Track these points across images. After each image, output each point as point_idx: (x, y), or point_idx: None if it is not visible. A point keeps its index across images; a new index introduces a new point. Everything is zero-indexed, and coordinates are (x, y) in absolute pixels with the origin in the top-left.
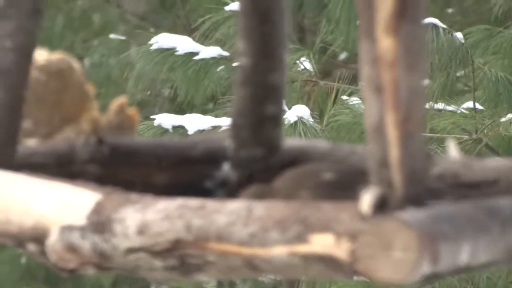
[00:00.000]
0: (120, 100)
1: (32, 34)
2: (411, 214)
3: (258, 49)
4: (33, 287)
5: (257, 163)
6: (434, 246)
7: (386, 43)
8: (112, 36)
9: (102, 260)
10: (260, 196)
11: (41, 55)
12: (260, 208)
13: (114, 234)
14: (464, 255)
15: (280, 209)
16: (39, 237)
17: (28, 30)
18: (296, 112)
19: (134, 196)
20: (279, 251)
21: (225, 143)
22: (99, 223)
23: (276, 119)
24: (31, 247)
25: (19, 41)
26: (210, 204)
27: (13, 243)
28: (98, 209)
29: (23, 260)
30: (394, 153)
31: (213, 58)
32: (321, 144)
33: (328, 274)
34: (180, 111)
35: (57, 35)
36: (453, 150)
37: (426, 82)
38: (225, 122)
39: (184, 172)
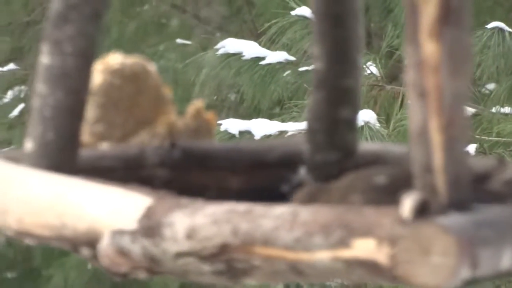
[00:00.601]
0: (197, 104)
1: (93, 38)
2: (452, 219)
3: (333, 53)
4: None
5: (332, 166)
6: (474, 251)
7: (430, 48)
8: (178, 41)
9: (152, 264)
10: (314, 199)
11: (115, 59)
12: (305, 212)
13: (163, 238)
14: (506, 259)
15: (324, 213)
16: (92, 241)
17: (89, 34)
18: (362, 117)
19: (184, 200)
20: (322, 256)
21: (302, 147)
22: (150, 227)
23: (351, 123)
24: (85, 251)
25: (79, 45)
26: (257, 208)
27: (68, 247)
28: (148, 214)
29: (90, 265)
30: (437, 158)
31: (279, 63)
32: (396, 148)
33: (370, 279)
34: (247, 116)
35: (128, 41)
36: None
37: (469, 86)
38: (291, 126)
39: (260, 176)
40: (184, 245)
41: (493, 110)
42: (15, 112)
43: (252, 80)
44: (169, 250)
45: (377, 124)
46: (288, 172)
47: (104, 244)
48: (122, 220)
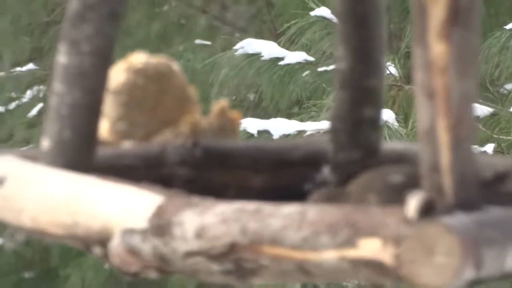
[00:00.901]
0: (221, 103)
1: (110, 37)
2: (457, 219)
3: (356, 53)
4: None
5: (356, 166)
6: (478, 251)
7: (438, 49)
8: (197, 41)
9: (162, 263)
10: (331, 199)
11: (139, 59)
12: (313, 212)
13: (173, 237)
14: (511, 260)
15: (332, 213)
16: (103, 240)
17: (106, 34)
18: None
19: (195, 199)
20: (329, 256)
21: (326, 146)
22: (160, 226)
23: (374, 122)
24: (97, 250)
25: (96, 44)
26: (266, 207)
27: (81, 246)
28: (159, 212)
29: (107, 265)
30: (444, 157)
31: (298, 63)
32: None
33: (376, 279)
34: (265, 115)
35: (151, 41)
36: None
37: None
38: (310, 126)
39: (283, 175)
40: (194, 245)
41: (511, 109)
42: (34, 111)
43: (271, 80)
44: (179, 249)
45: (396, 124)
46: (311, 171)
47: (115, 243)
48: (133, 219)
